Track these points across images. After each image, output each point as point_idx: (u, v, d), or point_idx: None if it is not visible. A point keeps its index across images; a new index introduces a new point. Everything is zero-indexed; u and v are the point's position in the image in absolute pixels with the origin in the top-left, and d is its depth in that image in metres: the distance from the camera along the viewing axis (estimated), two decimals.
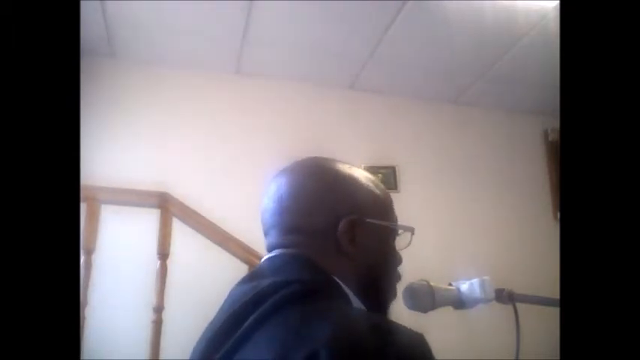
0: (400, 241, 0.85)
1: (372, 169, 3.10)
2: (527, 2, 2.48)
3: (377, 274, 0.80)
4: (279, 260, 0.77)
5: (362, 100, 3.24)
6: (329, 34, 2.75)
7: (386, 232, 0.82)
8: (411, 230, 0.85)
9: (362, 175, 0.84)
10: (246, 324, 0.64)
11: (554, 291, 0.84)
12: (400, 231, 0.84)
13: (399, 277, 0.85)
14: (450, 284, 0.97)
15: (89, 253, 1.94)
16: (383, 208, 0.83)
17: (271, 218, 0.81)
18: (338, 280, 0.74)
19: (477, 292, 0.94)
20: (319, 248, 0.76)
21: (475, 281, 0.95)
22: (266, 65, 3.03)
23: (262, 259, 0.80)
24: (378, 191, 0.84)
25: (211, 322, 0.74)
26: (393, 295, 0.84)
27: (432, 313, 0.92)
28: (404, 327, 0.62)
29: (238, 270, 2.11)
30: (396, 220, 0.85)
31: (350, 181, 0.82)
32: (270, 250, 0.81)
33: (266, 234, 0.83)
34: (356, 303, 0.75)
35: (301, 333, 0.59)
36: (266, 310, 0.64)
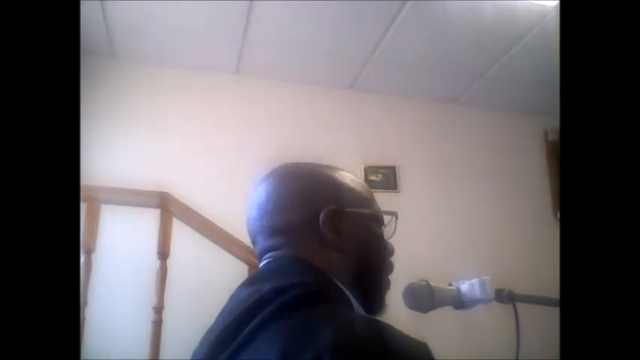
0: (387, 230, 0.85)
1: (372, 169, 3.11)
2: (527, 2, 2.48)
3: (368, 263, 0.79)
4: (276, 264, 0.77)
5: (362, 100, 3.24)
6: (329, 34, 2.75)
7: (369, 220, 0.82)
8: (394, 215, 0.85)
9: (338, 171, 0.85)
10: (248, 328, 0.64)
11: (554, 291, 0.84)
12: (386, 220, 0.84)
13: (391, 268, 0.85)
14: (450, 284, 0.97)
15: (89, 253, 1.94)
16: (362, 198, 0.83)
17: (254, 226, 0.82)
18: (336, 281, 0.73)
19: (477, 292, 0.94)
20: (306, 245, 0.76)
21: (475, 281, 0.95)
22: (266, 65, 3.03)
23: (261, 263, 0.80)
24: (354, 183, 0.84)
25: (212, 326, 0.73)
26: (386, 285, 0.83)
27: (432, 313, 0.92)
28: (407, 335, 0.62)
29: (238, 270, 2.11)
30: (378, 208, 0.85)
31: (325, 176, 0.83)
32: (260, 256, 0.81)
33: (253, 242, 0.83)
34: (356, 305, 0.75)
35: (303, 338, 0.59)
36: (268, 315, 0.64)
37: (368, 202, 0.84)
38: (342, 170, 0.86)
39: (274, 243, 0.79)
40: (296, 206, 0.79)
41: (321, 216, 0.77)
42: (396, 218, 0.85)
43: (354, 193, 0.83)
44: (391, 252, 0.85)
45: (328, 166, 0.85)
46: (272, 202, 0.80)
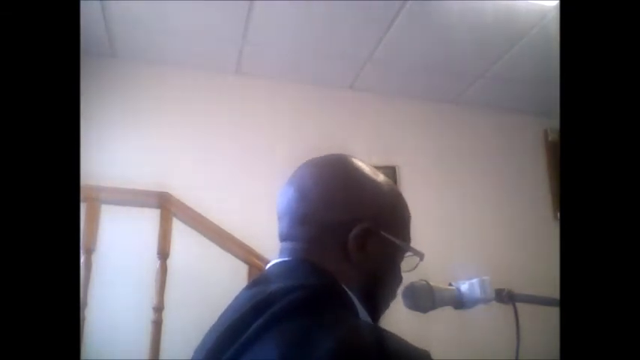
0: (406, 263, 0.83)
1: None
2: (527, 2, 2.48)
3: (376, 287, 0.78)
4: (284, 266, 0.76)
5: (362, 100, 3.24)
6: (329, 34, 2.75)
7: (395, 249, 0.80)
8: (421, 256, 0.82)
9: (389, 185, 0.82)
10: (250, 330, 0.63)
11: (554, 291, 0.84)
12: (409, 253, 0.82)
13: (393, 296, 0.84)
14: (450, 284, 0.97)
15: (89, 253, 1.94)
16: (401, 224, 0.81)
17: (287, 204, 0.79)
18: (344, 287, 0.73)
19: (477, 292, 0.94)
20: (326, 247, 0.75)
21: (475, 281, 0.95)
22: (266, 65, 3.03)
23: (268, 265, 0.80)
24: (400, 205, 0.82)
25: (214, 325, 0.73)
26: (389, 304, 0.82)
27: (432, 313, 0.92)
28: (410, 344, 0.62)
29: (238, 270, 2.11)
30: (410, 239, 0.83)
31: (376, 187, 0.80)
32: (280, 238, 0.80)
33: (279, 219, 0.81)
34: (362, 312, 0.74)
35: (304, 345, 0.58)
36: (270, 318, 0.63)
37: (404, 229, 0.82)
38: (392, 182, 0.84)
39: (297, 232, 0.77)
40: (335, 206, 0.76)
41: (354, 231, 0.75)
42: (421, 260, 0.82)
43: (395, 217, 0.80)
44: (399, 282, 0.84)
45: (380, 174, 0.82)
46: (313, 191, 0.77)
